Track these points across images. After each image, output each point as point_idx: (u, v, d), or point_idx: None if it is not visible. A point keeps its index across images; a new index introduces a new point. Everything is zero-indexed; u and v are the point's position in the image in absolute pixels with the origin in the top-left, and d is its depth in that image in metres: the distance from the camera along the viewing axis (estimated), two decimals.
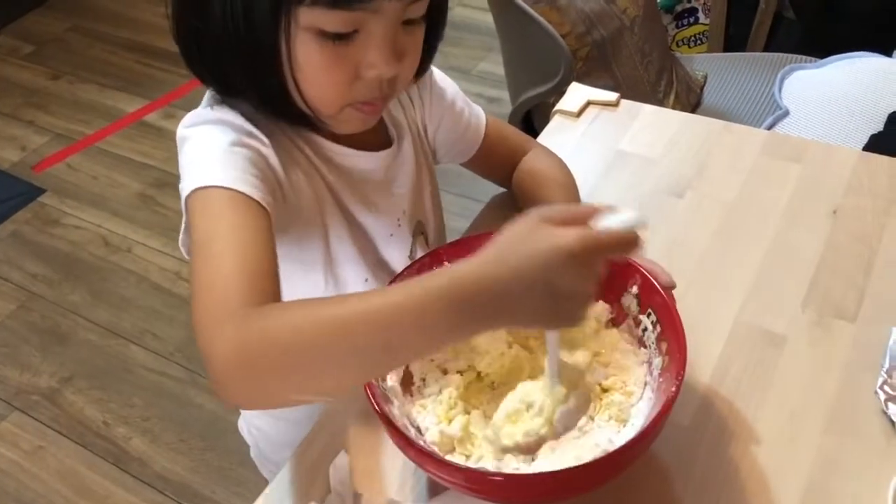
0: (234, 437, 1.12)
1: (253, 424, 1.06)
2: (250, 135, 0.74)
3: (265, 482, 1.10)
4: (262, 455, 1.09)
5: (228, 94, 0.77)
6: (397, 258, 0.90)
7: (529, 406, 0.66)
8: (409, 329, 0.55)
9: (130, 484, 1.73)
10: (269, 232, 0.68)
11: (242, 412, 1.06)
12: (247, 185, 0.69)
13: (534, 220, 0.56)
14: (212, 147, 0.72)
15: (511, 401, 0.67)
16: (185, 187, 0.70)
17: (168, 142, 2.59)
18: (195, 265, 0.65)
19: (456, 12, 3.12)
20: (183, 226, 0.72)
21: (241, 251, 0.64)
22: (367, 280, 0.88)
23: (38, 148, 2.69)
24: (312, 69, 0.71)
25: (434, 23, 0.78)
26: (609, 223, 0.56)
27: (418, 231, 0.93)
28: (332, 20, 0.68)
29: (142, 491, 1.71)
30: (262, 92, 0.74)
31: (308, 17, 0.67)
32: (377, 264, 0.89)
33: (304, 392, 0.59)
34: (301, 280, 0.86)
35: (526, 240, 0.55)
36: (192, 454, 1.78)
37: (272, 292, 0.63)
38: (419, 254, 0.92)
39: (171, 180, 2.44)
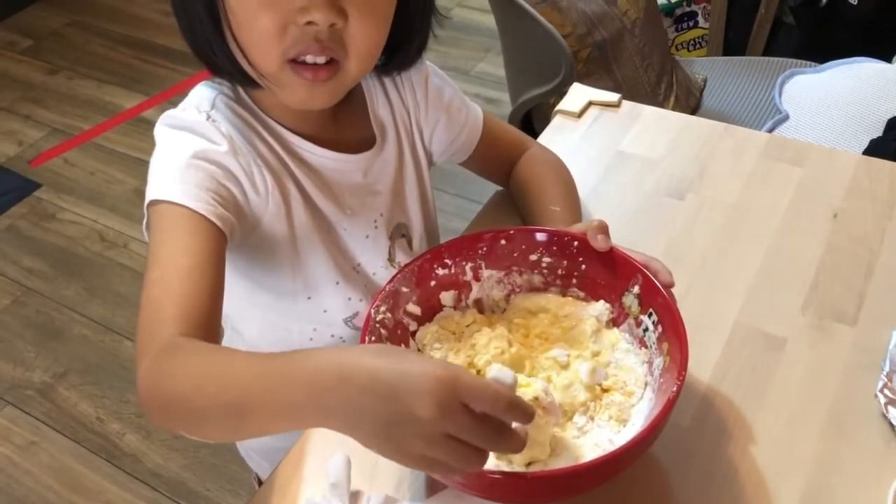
0: None
1: None
2: (213, 142, 0.74)
3: (259, 480, 1.10)
4: (247, 447, 1.08)
5: (212, 70, 0.76)
6: (373, 261, 0.89)
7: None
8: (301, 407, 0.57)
9: (123, 480, 1.72)
10: (216, 252, 0.70)
11: None
12: (200, 201, 0.70)
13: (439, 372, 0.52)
14: (174, 157, 0.73)
15: None
16: (147, 194, 0.72)
17: None
18: (144, 282, 0.68)
19: (455, 13, 3.11)
20: (144, 222, 0.74)
21: (176, 279, 0.66)
22: (338, 283, 0.86)
23: (34, 143, 2.68)
24: (243, 12, 0.69)
25: (414, 12, 0.77)
26: (494, 374, 0.54)
27: (398, 234, 0.90)
28: None
29: (135, 487, 1.71)
30: (219, 56, 0.73)
31: None
32: (350, 268, 0.87)
33: (199, 437, 0.62)
34: (270, 285, 0.85)
35: (406, 360, 0.53)
36: (186, 451, 1.77)
37: (204, 320, 0.65)
38: (399, 257, 0.90)
39: None
